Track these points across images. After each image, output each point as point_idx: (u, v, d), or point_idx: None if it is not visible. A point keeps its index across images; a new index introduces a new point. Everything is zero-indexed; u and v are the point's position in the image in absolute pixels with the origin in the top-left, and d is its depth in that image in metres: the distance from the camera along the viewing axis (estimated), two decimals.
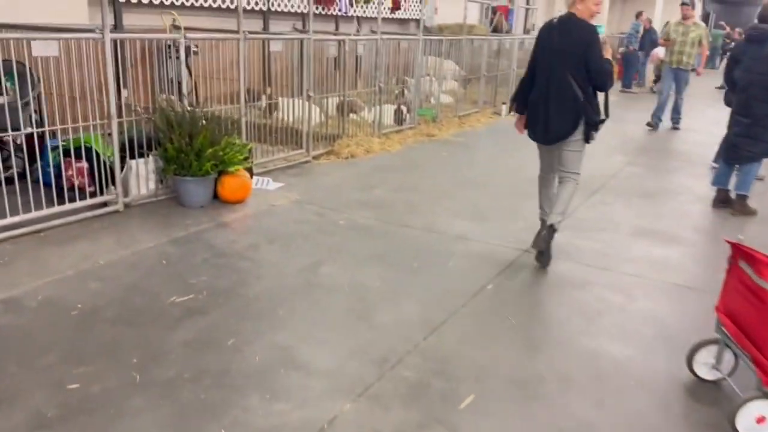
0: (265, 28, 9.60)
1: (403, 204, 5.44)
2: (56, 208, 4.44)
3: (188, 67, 7.93)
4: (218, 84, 6.42)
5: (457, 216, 5.16)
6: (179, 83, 7.78)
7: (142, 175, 4.94)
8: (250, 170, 5.43)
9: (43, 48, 4.18)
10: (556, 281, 4.01)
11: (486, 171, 6.94)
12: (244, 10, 9.15)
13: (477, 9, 18.15)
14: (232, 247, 4.20)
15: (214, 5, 8.43)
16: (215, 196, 5.10)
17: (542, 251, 4.14)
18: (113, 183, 4.74)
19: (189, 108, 5.01)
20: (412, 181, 6.30)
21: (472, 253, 4.36)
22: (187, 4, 8.15)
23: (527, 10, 21.88)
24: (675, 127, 10.22)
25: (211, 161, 4.84)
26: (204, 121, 4.96)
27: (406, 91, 8.82)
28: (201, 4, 8.28)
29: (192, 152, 4.77)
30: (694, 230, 5.29)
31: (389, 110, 8.37)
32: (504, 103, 11.12)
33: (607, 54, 3.98)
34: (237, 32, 5.69)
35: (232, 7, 8.73)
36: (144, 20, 7.86)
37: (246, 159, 5.22)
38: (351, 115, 8.47)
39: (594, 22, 4.05)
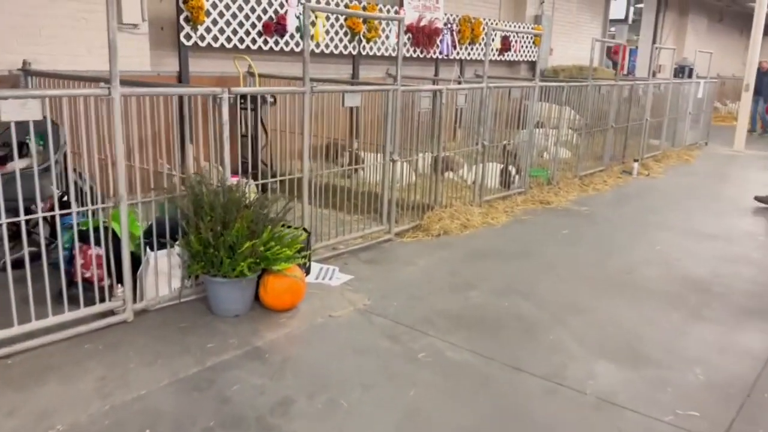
0: (354, 76, 8.48)
1: (512, 320, 3.87)
2: (49, 319, 3.30)
3: (262, 120, 6.92)
4: (296, 139, 5.29)
5: (597, 351, 3.50)
6: (254, 137, 6.77)
7: (163, 271, 3.75)
8: (305, 265, 4.11)
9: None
10: None
11: (629, 262, 5.20)
12: (333, 55, 8.11)
13: (598, 49, 16.32)
14: (254, 405, 2.83)
15: (294, 49, 7.41)
16: (257, 296, 3.82)
17: None
18: (120, 282, 3.57)
19: (229, 184, 3.78)
20: (525, 276, 4.71)
21: None
22: (265, 48, 7.17)
23: (655, 49, 19.72)
24: None
25: (249, 259, 3.55)
26: (247, 202, 3.71)
27: (513, 146, 7.27)
28: (281, 47, 7.28)
29: (223, 246, 3.51)
30: None
31: (494, 170, 6.85)
32: (636, 160, 9.25)
33: None
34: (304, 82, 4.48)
35: (317, 51, 7.67)
36: (215, 66, 6.93)
37: (301, 251, 3.91)
38: (448, 173, 7.05)
39: None
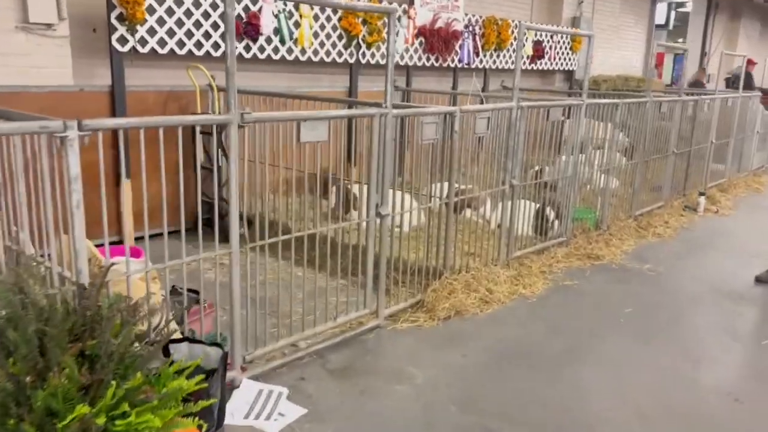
0: (351, 87, 6.88)
1: None
2: None
3: (224, 148, 5.36)
4: (272, 171, 3.71)
5: None
6: (218, 170, 5.20)
7: None
8: (216, 412, 2.49)
9: None
10: None
11: (729, 374, 3.47)
12: (324, 63, 6.53)
13: (641, 56, 14.53)
14: None
15: (272, 56, 5.84)
16: None
17: None
18: None
19: (84, 296, 2.19)
20: (581, 408, 3.02)
21: None
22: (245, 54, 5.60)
23: (703, 55, 17.77)
24: None
25: None
26: (100, 322, 2.11)
27: (553, 182, 5.55)
28: (254, 54, 5.72)
29: (35, 413, 1.91)
30: None
31: (526, 211, 5.15)
32: (702, 194, 7.45)
33: None
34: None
35: (290, 58, 6.08)
36: (164, 78, 5.39)
37: (211, 375, 2.28)
38: (466, 211, 5.40)
39: None
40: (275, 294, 3.29)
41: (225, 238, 2.91)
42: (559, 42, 9.79)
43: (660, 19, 17.66)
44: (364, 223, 3.62)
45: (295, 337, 3.33)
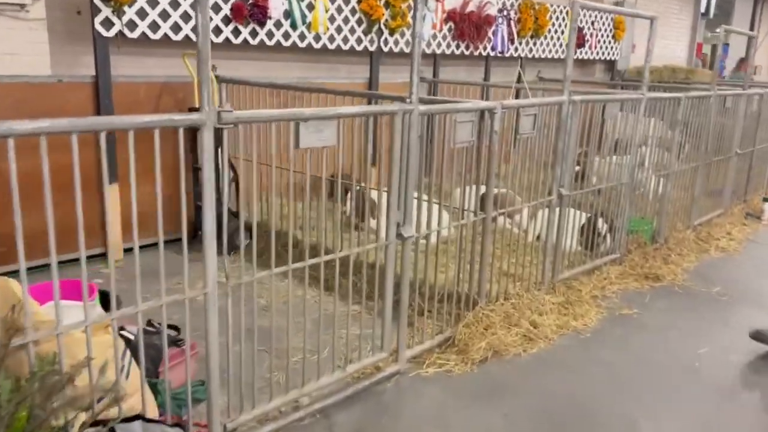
0: (372, 78, 6.16)
1: None
2: None
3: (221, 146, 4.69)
4: (280, 174, 3.01)
5: None
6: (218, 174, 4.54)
7: None
8: None
9: None
10: None
11: None
12: (341, 51, 5.83)
13: (685, 46, 13.52)
14: None
15: (282, 42, 5.14)
16: None
17: None
18: None
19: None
20: None
21: None
22: (236, 40, 4.93)
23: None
24: None
25: None
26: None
27: (608, 190, 4.76)
28: (261, 40, 5.02)
29: None
30: None
31: (573, 221, 4.39)
32: (766, 200, 6.58)
33: None
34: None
35: (302, 45, 5.38)
36: (158, 67, 4.73)
37: None
38: (500, 219, 4.64)
39: None
40: (271, 323, 2.58)
41: (228, 247, 2.26)
42: (600, 29, 8.93)
43: (701, 6, 16.58)
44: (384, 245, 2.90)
45: (294, 394, 2.64)
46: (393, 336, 3.06)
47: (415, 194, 2.95)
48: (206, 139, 2.04)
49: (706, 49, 16.48)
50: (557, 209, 4.04)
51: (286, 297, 2.61)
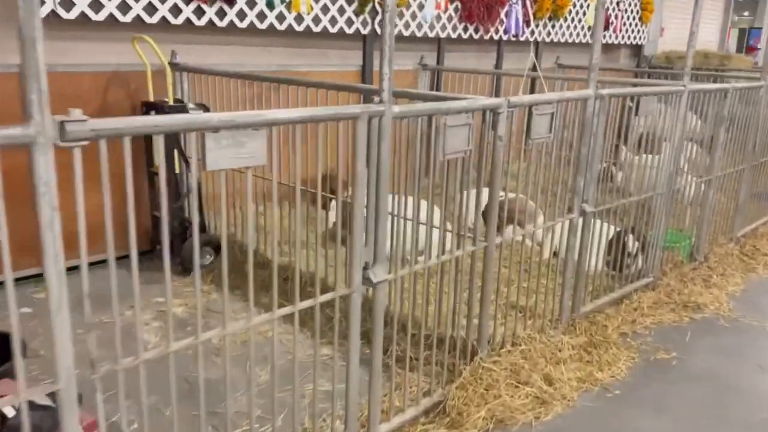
0: (366, 66, 5.39)
1: None
2: None
3: (180, 147, 3.97)
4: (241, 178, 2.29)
5: None
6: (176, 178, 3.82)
7: None
8: None
9: None
10: None
11: None
12: (341, 36, 5.07)
13: (716, 30, 12.52)
14: None
15: (256, 24, 4.39)
16: None
17: None
18: None
19: None
20: None
21: None
22: (200, 22, 4.20)
23: None
24: None
25: None
26: None
27: (645, 201, 3.96)
28: (230, 22, 4.28)
29: None
30: None
31: (599, 236, 3.60)
32: None
33: None
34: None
35: (281, 28, 4.63)
36: (105, 54, 4.02)
37: None
38: (507, 230, 3.91)
39: None
40: (226, 371, 1.87)
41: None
42: (626, 10, 8.06)
43: None
44: (365, 290, 2.17)
45: None
46: (363, 399, 2.34)
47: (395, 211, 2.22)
48: (41, 166, 1.32)
49: (733, 33, 15.43)
50: (579, 229, 3.27)
51: (246, 335, 1.91)
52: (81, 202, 1.43)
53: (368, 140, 2.03)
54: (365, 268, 2.11)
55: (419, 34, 5.56)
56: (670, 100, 3.67)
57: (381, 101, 1.99)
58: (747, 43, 16.37)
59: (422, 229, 2.48)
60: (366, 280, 2.11)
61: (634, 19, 8.28)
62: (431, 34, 5.68)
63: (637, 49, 8.89)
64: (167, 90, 3.92)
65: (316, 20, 4.79)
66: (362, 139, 1.97)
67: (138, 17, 3.89)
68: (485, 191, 2.65)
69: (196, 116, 1.56)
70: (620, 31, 8.07)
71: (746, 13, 17.30)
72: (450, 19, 5.80)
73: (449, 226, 2.87)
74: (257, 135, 1.68)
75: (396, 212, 2.38)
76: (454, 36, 5.90)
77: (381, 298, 2.18)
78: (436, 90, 5.90)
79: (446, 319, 2.72)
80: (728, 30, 12.89)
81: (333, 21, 4.89)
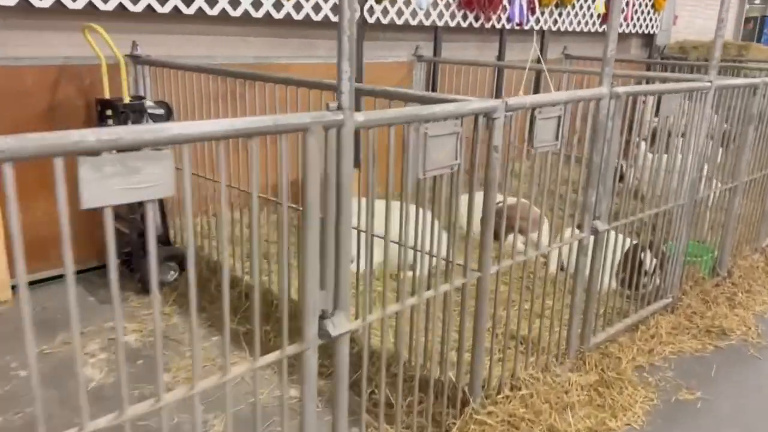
0: (358, 59, 4.90)
1: None
2: None
3: None
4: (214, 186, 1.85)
5: None
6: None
7: None
8: None
9: None
10: None
11: None
12: (326, 24, 4.61)
13: (732, 17, 11.96)
14: None
15: (230, 13, 3.93)
16: None
17: None
18: None
19: None
20: None
21: None
22: (163, 8, 3.74)
23: None
24: None
25: None
26: None
27: (666, 213, 3.48)
28: (198, 9, 3.82)
29: None
30: None
31: (612, 243, 3.14)
32: None
33: None
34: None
35: (257, 15, 4.16)
36: (54, 45, 3.57)
37: None
38: (509, 239, 3.49)
39: None
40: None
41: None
42: None
43: None
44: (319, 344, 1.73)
45: None
46: None
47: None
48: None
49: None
50: (592, 253, 2.82)
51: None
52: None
53: (326, 156, 1.58)
54: (322, 317, 1.68)
55: (414, 23, 5.09)
56: (695, 96, 3.20)
57: (339, 107, 1.54)
58: (761, 31, 15.78)
59: (401, 252, 2.04)
60: (323, 333, 1.67)
61: (646, 6, 7.76)
62: (427, 23, 5.21)
63: (649, 39, 8.37)
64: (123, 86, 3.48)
65: (297, 7, 4.32)
66: (314, 158, 1.53)
67: (90, 3, 3.44)
68: (478, 208, 2.20)
69: (62, 135, 1.11)
70: (631, 19, 7.56)
71: (758, 1, 16.65)
72: (448, 6, 5.31)
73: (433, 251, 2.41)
74: (159, 157, 1.24)
75: (369, 232, 1.93)
76: (452, 24, 5.42)
77: (343, 355, 1.74)
78: (433, 84, 5.43)
79: (431, 356, 2.28)
80: (743, 19, 12.33)
81: (317, 8, 4.43)
